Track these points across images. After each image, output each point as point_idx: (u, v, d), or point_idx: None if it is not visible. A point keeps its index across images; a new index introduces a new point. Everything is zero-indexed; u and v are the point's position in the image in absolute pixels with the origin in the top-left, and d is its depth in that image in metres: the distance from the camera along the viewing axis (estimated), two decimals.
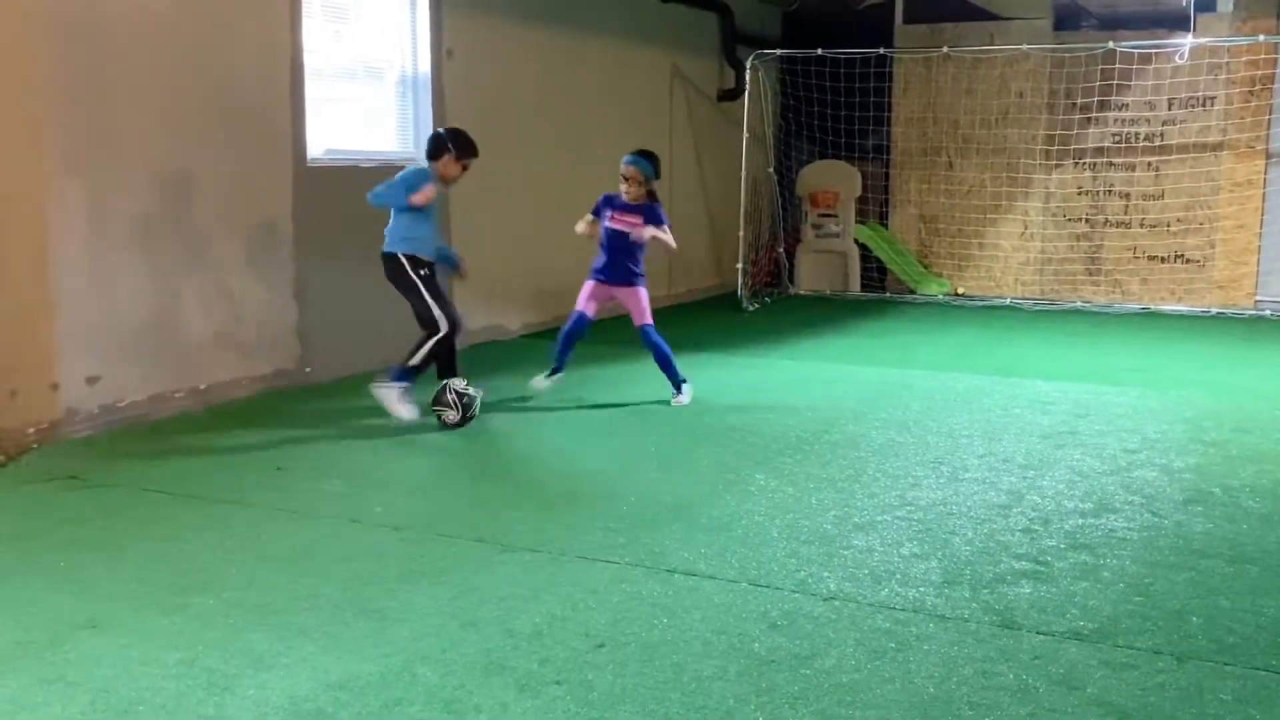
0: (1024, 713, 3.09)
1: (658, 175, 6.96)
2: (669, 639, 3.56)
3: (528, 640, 3.52)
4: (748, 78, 11.64)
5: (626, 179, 6.85)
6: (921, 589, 3.98)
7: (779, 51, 12.08)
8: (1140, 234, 11.93)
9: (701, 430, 6.35)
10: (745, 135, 11.60)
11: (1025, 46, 11.46)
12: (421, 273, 6.46)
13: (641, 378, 7.80)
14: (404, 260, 6.43)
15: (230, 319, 6.91)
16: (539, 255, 9.61)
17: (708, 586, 4.00)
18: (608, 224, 6.90)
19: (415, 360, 6.40)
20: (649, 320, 6.92)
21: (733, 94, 12.13)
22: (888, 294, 12.43)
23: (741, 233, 11.65)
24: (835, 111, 12.24)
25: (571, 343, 7.06)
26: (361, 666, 3.33)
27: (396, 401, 6.37)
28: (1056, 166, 12.12)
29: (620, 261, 6.90)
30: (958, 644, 3.53)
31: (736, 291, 11.52)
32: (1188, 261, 11.78)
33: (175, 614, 3.73)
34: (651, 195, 6.92)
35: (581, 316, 6.97)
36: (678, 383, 7.01)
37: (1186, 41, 10.84)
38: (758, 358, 8.66)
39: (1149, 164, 11.79)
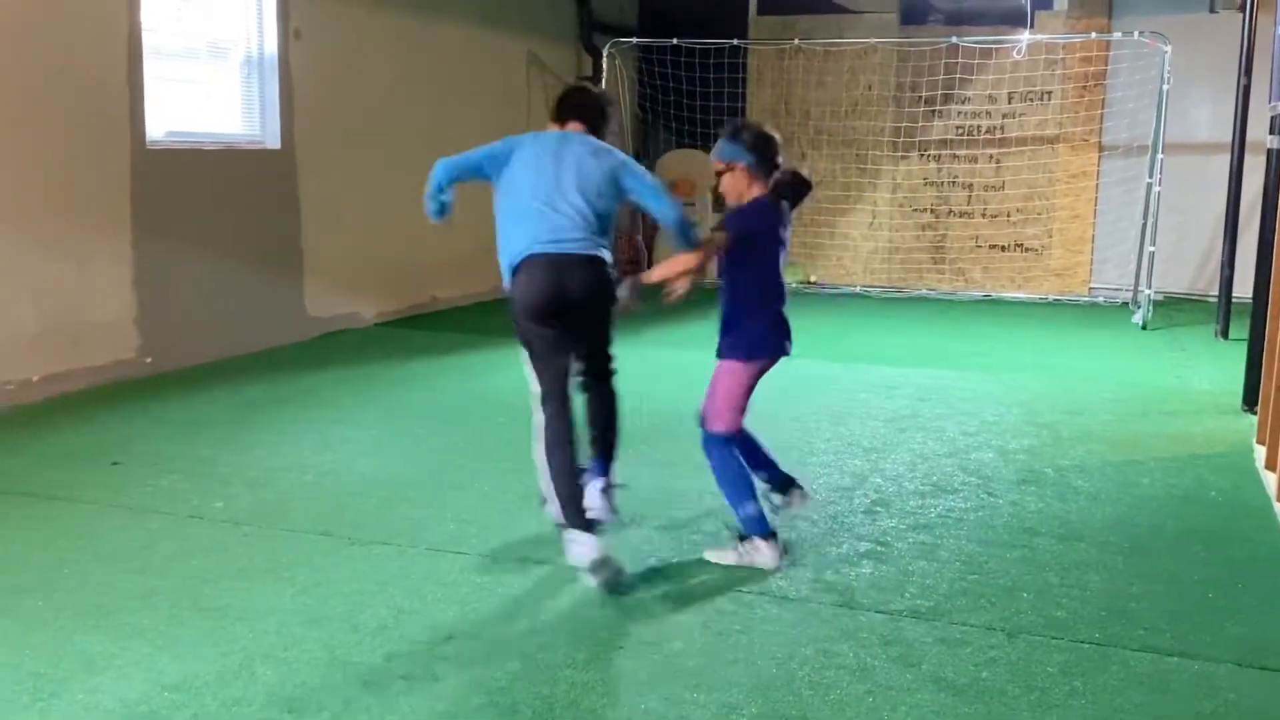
0: (861, 690, 3.19)
1: (752, 149, 4.14)
2: (519, 629, 3.55)
3: (373, 635, 3.48)
4: (605, 66, 11.66)
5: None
6: (766, 571, 4.05)
7: (636, 40, 12.13)
8: (982, 224, 12.35)
9: None
10: None
11: (873, 40, 11.75)
12: None
13: (497, 366, 7.75)
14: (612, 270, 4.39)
15: (64, 308, 6.62)
16: (394, 242, 9.46)
17: (559, 575, 4.00)
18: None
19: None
20: (709, 423, 4.21)
21: (590, 82, 12.13)
22: None
23: None
24: (692, 101, 12.34)
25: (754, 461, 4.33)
26: (199, 666, 3.24)
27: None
28: (903, 158, 12.46)
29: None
30: (800, 625, 3.62)
31: None
32: (1027, 250, 12.26)
33: (2, 616, 3.56)
34: (777, 188, 4.21)
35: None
36: (746, 526, 4.14)
37: (1024, 38, 11.26)
38: (616, 345, 8.67)
39: (990, 156, 12.21)
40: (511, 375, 7.44)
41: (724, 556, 4.16)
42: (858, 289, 12.36)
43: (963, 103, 12.14)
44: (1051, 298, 11.78)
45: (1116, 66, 11.63)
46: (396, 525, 4.50)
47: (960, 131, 12.27)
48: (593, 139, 4.34)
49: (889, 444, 5.86)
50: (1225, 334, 9.14)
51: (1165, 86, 10.15)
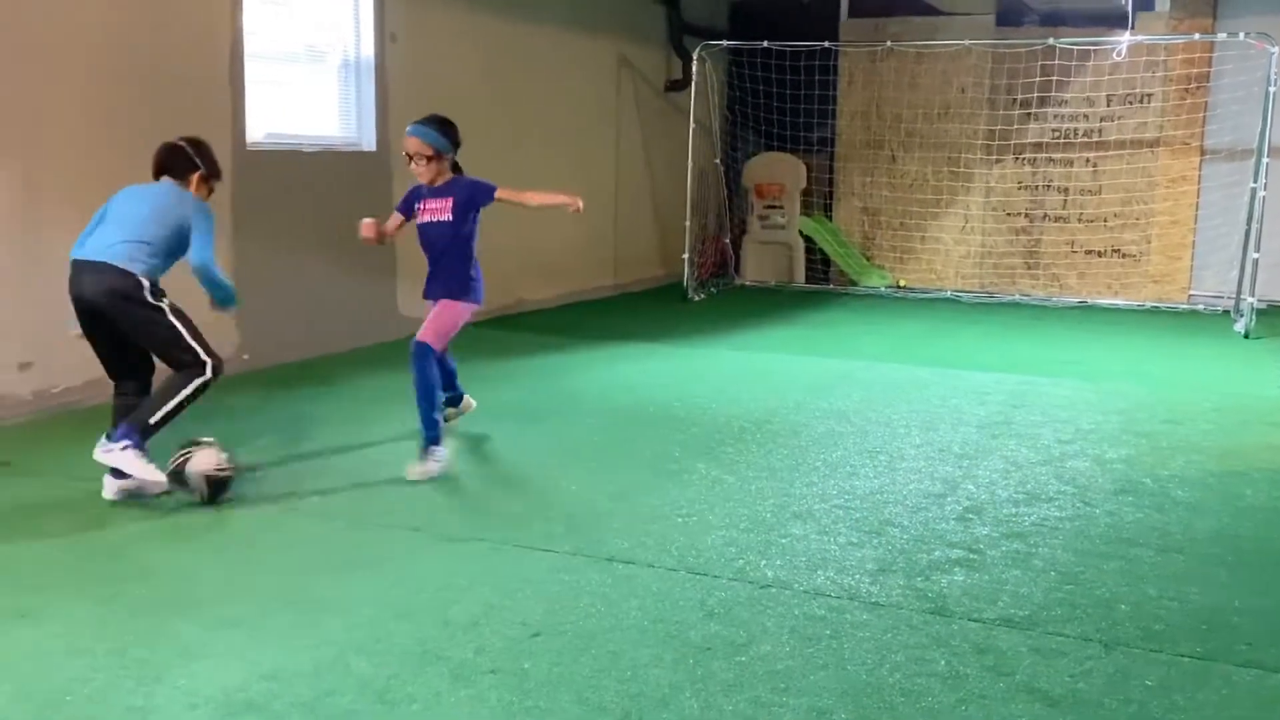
0: (954, 699, 3.14)
1: (456, 144, 5.35)
2: (606, 627, 3.57)
3: (463, 630, 3.51)
4: (695, 69, 11.66)
5: (411, 156, 5.28)
6: (856, 576, 4.02)
7: (726, 43, 12.11)
8: (1078, 229, 12.10)
9: (643, 420, 6.36)
10: (692, 126, 11.63)
11: (967, 42, 11.57)
12: (167, 302, 4.81)
13: (585, 367, 7.80)
14: (145, 282, 4.74)
15: None
16: (483, 243, 9.52)
17: (646, 575, 4.01)
18: (419, 220, 5.40)
19: (165, 410, 4.70)
20: (434, 341, 5.23)
21: (680, 85, 12.15)
22: (831, 286, 12.52)
23: (688, 223, 11.67)
24: (781, 104, 12.29)
25: (446, 383, 5.58)
26: (294, 657, 3.30)
27: (142, 467, 4.65)
28: (997, 161, 12.26)
29: (445, 267, 5.38)
30: (891, 631, 3.57)
31: (683, 282, 11.55)
32: (1124, 256, 11.98)
33: (106, 604, 3.68)
34: (458, 169, 5.45)
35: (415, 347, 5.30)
36: (431, 437, 5.17)
37: (1125, 39, 11.01)
38: (702, 348, 8.69)
39: (1087, 159, 11.96)
40: (599, 376, 7.51)
41: (428, 469, 5.06)
42: (948, 294, 12.19)
43: (1060, 105, 11.91)
44: (1149, 305, 11.50)
45: (1221, 68, 11.32)
46: (486, 522, 4.54)
47: (1056, 135, 12.04)
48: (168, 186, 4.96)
49: (981, 451, 5.77)
50: None
51: (1272, 89, 9.85)
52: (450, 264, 5.36)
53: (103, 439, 4.67)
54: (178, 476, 4.66)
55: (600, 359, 8.12)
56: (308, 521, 4.53)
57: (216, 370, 4.80)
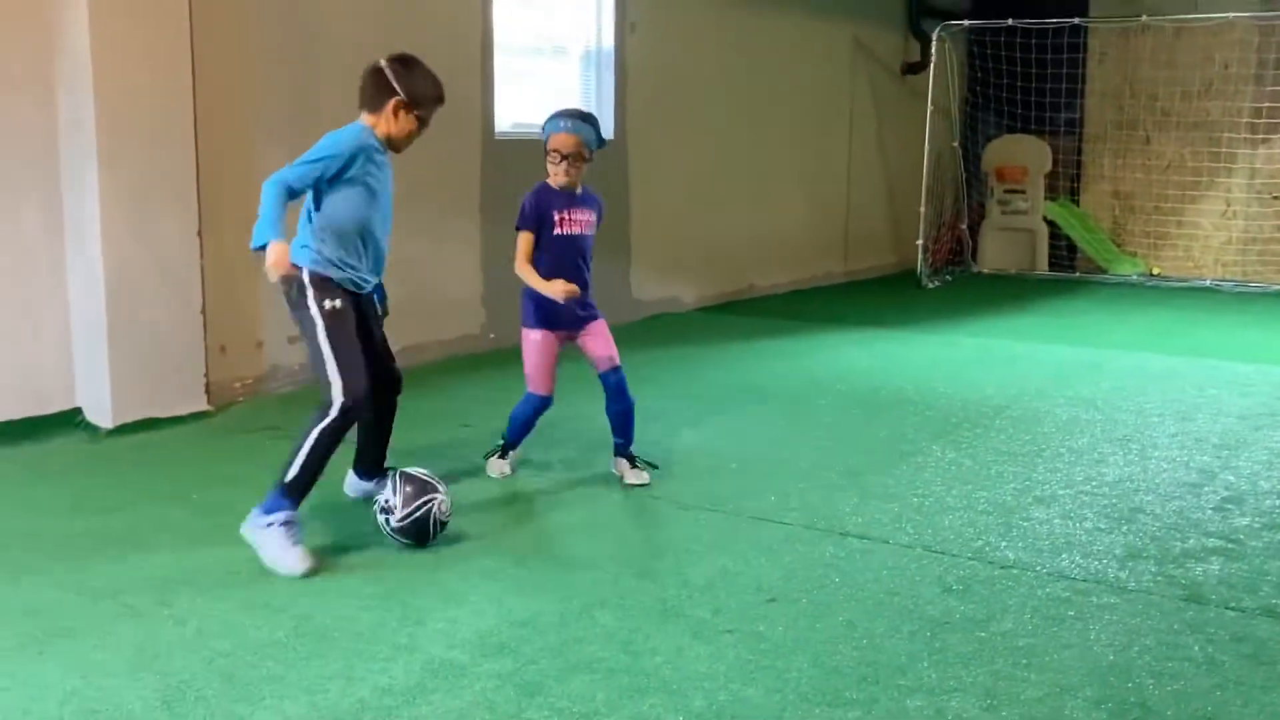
0: (1208, 684, 3.01)
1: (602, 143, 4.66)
2: (841, 597, 3.58)
3: (701, 591, 3.60)
4: (934, 50, 11.40)
5: (565, 156, 4.48)
6: (1103, 561, 3.89)
7: (967, 23, 11.79)
8: None
9: (876, 402, 6.31)
10: (930, 109, 11.37)
11: (1231, 15, 10.86)
12: (329, 304, 3.94)
13: (815, 350, 7.78)
14: (305, 273, 3.96)
15: (419, 285, 7.19)
16: (715, 229, 9.66)
17: (880, 550, 4.00)
18: (560, 232, 4.55)
19: (293, 470, 3.77)
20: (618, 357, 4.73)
21: (918, 67, 11.91)
22: (1077, 274, 12.01)
23: (923, 209, 11.44)
24: (1025, 84, 11.87)
25: (529, 427, 4.95)
26: (543, 607, 3.47)
27: (278, 545, 3.71)
28: (1263, 141, 11.47)
29: (589, 284, 4.68)
30: (1140, 615, 3.45)
31: (916, 269, 11.33)
32: None
33: (370, 551, 3.95)
34: None
35: (546, 402, 4.83)
36: (630, 454, 4.78)
37: None
38: (937, 334, 8.51)
39: None
40: (831, 359, 7.48)
41: (642, 476, 4.71)
42: (1207, 283, 11.49)
43: None
44: None
45: None
46: (719, 493, 4.62)
47: None
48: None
49: (1242, 441, 5.45)
50: None
51: None
52: (590, 280, 4.68)
53: (255, 510, 3.80)
54: (417, 524, 3.92)
55: (832, 343, 8.09)
56: (554, 486, 4.71)
57: (347, 411, 3.82)
